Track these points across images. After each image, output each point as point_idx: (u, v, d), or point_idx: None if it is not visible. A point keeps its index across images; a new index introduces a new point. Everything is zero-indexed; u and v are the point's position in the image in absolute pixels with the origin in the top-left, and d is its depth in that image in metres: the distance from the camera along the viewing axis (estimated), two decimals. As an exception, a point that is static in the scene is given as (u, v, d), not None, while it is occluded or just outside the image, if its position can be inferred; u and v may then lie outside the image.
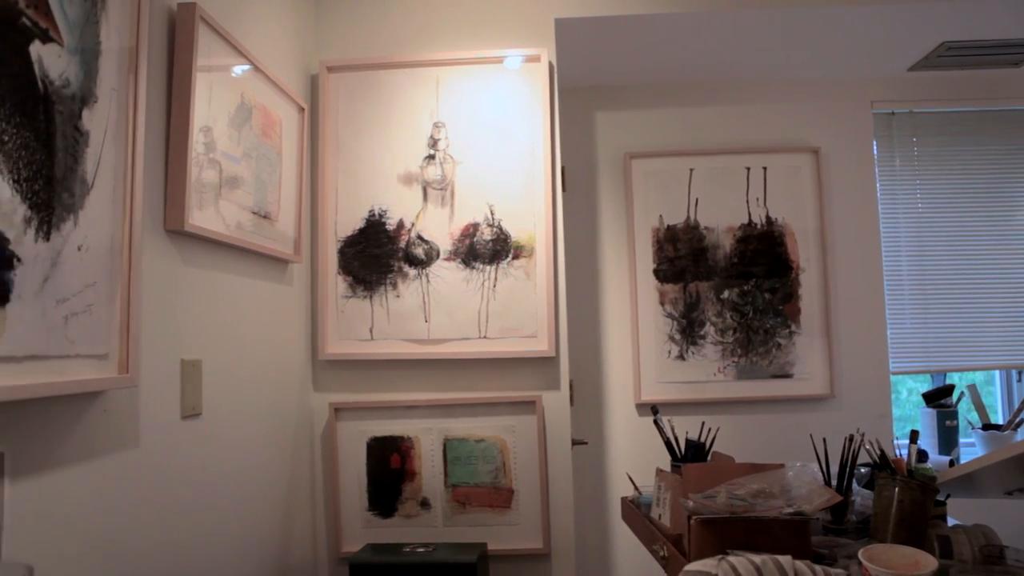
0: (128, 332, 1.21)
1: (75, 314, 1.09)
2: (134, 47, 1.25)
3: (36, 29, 1.00)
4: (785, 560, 1.08)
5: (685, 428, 1.93)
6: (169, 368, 1.41)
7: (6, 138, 0.95)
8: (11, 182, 0.96)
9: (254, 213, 1.74)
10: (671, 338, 2.73)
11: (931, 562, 1.20)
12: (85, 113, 1.12)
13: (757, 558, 1.09)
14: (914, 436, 1.65)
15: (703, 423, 1.92)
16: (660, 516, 1.72)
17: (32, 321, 0.99)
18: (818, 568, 1.08)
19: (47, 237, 1.03)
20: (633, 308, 2.75)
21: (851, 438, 1.69)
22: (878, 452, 1.60)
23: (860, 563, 1.24)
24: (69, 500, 1.12)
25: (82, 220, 1.11)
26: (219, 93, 1.56)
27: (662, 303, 2.75)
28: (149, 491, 1.33)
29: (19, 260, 0.97)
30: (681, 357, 2.73)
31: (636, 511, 1.87)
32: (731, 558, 1.11)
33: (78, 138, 1.10)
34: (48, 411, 1.07)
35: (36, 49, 1.01)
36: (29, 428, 1.03)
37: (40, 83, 1.01)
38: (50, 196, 1.04)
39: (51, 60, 1.04)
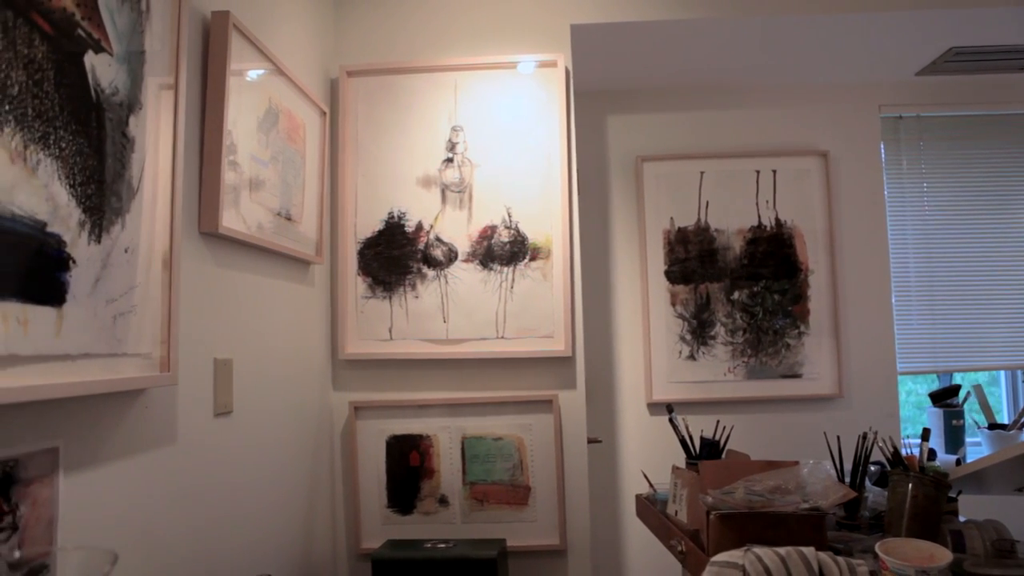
0: (169, 332, 1.25)
1: (122, 314, 1.13)
2: (174, 55, 1.29)
3: (90, 40, 1.04)
4: (809, 551, 1.12)
5: (695, 427, 1.97)
6: (203, 367, 1.45)
7: (63, 145, 0.99)
8: (67, 187, 1.00)
9: (280, 216, 1.78)
10: (682, 338, 2.77)
11: (946, 555, 1.24)
12: (132, 120, 1.16)
13: (782, 550, 1.13)
14: (926, 434, 1.69)
15: (718, 421, 1.97)
16: (676, 512, 1.76)
17: (85, 321, 1.03)
18: (840, 559, 1.12)
19: (98, 240, 1.07)
20: (644, 309, 2.79)
21: (864, 436, 1.73)
22: (891, 450, 1.64)
23: (876, 556, 1.28)
24: (115, 493, 1.16)
25: (128, 223, 1.15)
26: (249, 98, 1.60)
27: (673, 304, 2.79)
28: (185, 486, 1.37)
29: (74, 262, 1.01)
30: (692, 357, 2.77)
31: (651, 508, 1.91)
32: (756, 549, 1.15)
33: (125, 144, 1.14)
34: (97, 408, 1.11)
35: (90, 59, 1.05)
36: (80, 424, 1.07)
37: (93, 92, 1.05)
38: (101, 200, 1.08)
39: (102, 69, 1.08)
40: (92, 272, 1.05)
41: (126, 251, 1.14)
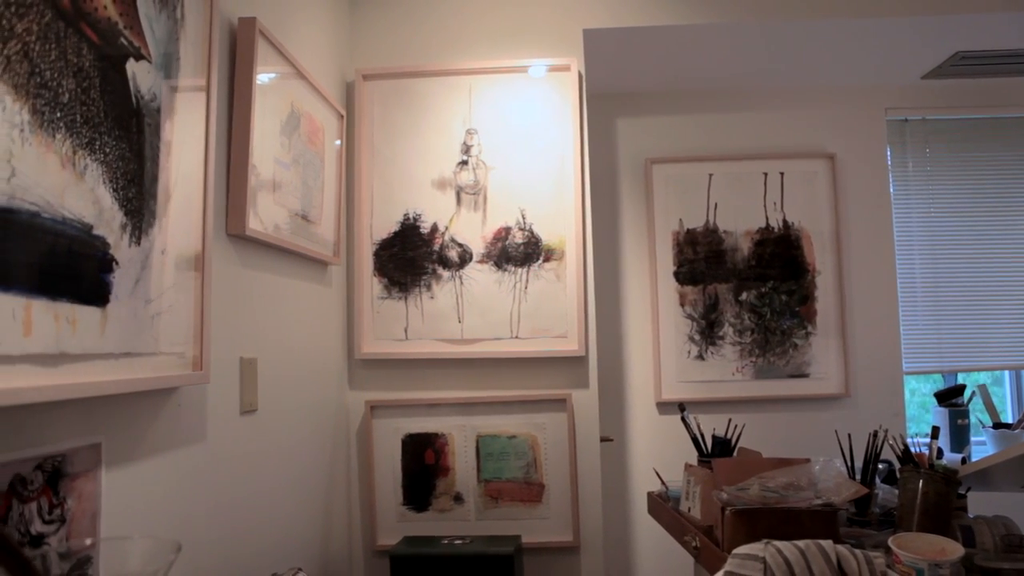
0: (201, 331, 1.28)
1: (159, 314, 1.16)
2: (206, 61, 1.32)
3: (131, 48, 1.08)
4: (827, 544, 1.16)
5: (705, 426, 2.00)
6: (230, 366, 1.48)
7: (108, 150, 1.02)
8: (111, 191, 1.03)
9: (300, 217, 1.81)
10: (691, 338, 2.80)
11: (957, 549, 1.28)
12: (167, 125, 1.19)
13: (800, 543, 1.16)
14: (935, 432, 1.72)
15: (730, 420, 2.00)
16: (689, 509, 1.79)
17: (127, 320, 1.07)
18: (858, 552, 1.15)
19: (138, 242, 1.10)
20: (654, 309, 2.82)
21: (875, 434, 1.76)
22: (901, 447, 1.67)
23: (888, 550, 1.31)
24: (151, 489, 1.19)
25: (165, 225, 1.18)
26: (273, 101, 1.63)
27: (682, 304, 2.82)
28: (213, 482, 1.40)
29: (117, 264, 1.04)
30: (700, 357, 2.80)
31: (663, 505, 1.94)
32: (776, 542, 1.19)
33: (162, 148, 1.17)
34: (135, 405, 1.15)
35: (131, 66, 1.08)
36: (120, 421, 1.11)
37: (134, 98, 1.09)
38: (140, 204, 1.11)
39: (142, 76, 1.11)
40: (133, 273, 1.08)
41: (163, 253, 1.18)
